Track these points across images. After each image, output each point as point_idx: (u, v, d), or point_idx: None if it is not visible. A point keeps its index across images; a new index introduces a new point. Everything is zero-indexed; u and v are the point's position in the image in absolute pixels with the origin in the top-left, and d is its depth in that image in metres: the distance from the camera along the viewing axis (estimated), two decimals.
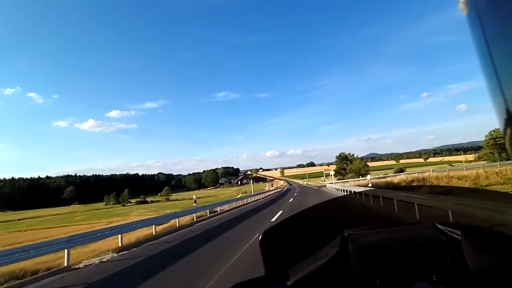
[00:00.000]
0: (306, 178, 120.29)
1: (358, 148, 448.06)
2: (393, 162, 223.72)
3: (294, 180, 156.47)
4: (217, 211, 21.68)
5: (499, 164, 42.76)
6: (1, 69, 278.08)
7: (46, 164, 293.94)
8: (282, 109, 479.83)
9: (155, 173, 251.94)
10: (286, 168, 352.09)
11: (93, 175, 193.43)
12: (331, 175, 56.52)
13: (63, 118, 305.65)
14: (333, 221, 1.43)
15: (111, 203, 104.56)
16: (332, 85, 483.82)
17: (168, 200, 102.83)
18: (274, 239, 1.22)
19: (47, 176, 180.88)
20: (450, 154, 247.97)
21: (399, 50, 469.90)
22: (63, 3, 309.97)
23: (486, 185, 22.14)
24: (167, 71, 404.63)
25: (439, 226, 1.07)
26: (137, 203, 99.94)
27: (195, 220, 16.73)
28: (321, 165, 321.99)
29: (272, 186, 79.83)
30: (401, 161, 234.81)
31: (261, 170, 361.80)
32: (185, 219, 16.67)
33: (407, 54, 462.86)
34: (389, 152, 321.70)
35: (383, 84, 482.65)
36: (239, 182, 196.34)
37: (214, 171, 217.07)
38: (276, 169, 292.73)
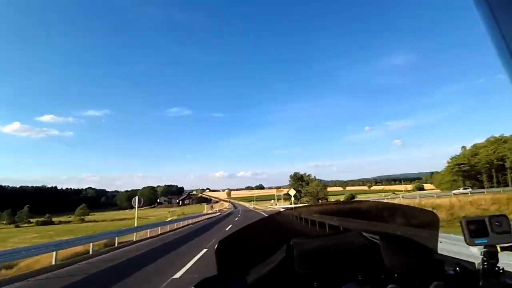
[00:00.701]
0: (253, 200, 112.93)
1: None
2: (340, 188, 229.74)
3: (240, 202, 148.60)
4: (115, 244, 14.39)
5: (453, 193, 41.21)
6: None
7: None
8: (235, 130, 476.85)
9: (84, 188, 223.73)
10: (235, 189, 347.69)
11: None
12: (291, 197, 46.98)
13: None
14: (280, 231, 1.65)
15: (4, 222, 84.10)
16: (287, 112, 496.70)
17: (82, 221, 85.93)
18: (228, 248, 1.34)
19: None
20: (389, 184, 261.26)
21: (349, 86, 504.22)
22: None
23: (464, 217, 17.79)
24: (116, 78, 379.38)
25: (364, 233, 1.33)
26: (38, 223, 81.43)
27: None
28: (270, 188, 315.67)
29: (212, 209, 70.46)
30: (347, 188, 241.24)
31: (208, 190, 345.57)
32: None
33: (355, 90, 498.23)
34: (334, 179, 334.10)
35: (333, 115, 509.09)
36: (180, 202, 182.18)
37: (152, 188, 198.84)
38: (224, 190, 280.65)
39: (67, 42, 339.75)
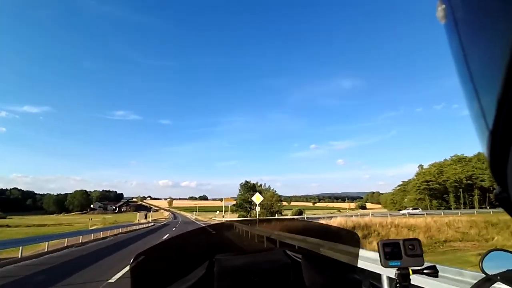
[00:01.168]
0: (196, 211, 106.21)
1: None
2: (285, 203, 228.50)
3: (182, 212, 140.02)
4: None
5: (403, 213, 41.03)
6: None
7: None
8: (182, 139, 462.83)
9: (7, 188, 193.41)
10: (178, 199, 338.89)
11: None
12: (256, 206, 43.36)
13: None
14: (205, 246, 1.59)
15: None
16: (234, 124, 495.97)
17: None
18: (145, 263, 1.21)
19: None
20: (332, 201, 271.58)
21: (296, 103, 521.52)
22: None
23: (445, 241, 16.10)
24: (58, 74, 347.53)
25: (287, 251, 1.34)
26: None
27: None
28: (214, 199, 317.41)
29: (146, 219, 60.77)
30: (292, 203, 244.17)
31: (149, 198, 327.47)
32: None
33: (302, 108, 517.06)
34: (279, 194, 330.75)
35: (280, 131, 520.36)
36: (117, 209, 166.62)
37: (85, 193, 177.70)
38: (166, 199, 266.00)
39: (5, 30, 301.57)
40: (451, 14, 0.32)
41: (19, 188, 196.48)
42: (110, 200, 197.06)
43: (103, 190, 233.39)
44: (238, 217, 47.49)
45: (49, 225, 71.09)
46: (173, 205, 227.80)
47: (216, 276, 1.14)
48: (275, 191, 52.95)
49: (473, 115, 0.29)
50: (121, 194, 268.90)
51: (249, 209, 50.57)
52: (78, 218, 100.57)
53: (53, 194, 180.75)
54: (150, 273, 1.19)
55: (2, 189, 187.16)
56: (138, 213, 52.69)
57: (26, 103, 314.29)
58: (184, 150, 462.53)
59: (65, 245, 15.50)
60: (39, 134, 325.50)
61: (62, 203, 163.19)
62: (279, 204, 51.03)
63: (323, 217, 36.27)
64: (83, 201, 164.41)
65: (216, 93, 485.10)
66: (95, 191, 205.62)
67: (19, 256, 11.41)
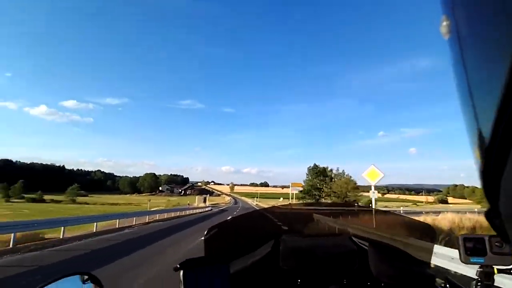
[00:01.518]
0: (257, 197, 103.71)
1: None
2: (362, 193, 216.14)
3: (243, 198, 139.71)
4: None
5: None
6: None
7: None
8: (244, 126, 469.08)
9: (93, 170, 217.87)
10: (239, 185, 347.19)
11: (2, 159, 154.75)
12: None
13: (13, 99, 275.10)
14: (270, 227, 1.71)
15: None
16: (296, 112, 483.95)
17: (73, 201, 78.75)
18: (217, 236, 1.38)
19: None
20: (403, 193, 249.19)
21: (360, 89, 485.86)
22: None
23: None
24: (135, 69, 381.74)
25: (353, 238, 1.32)
26: (28, 200, 75.09)
27: None
28: (275, 186, 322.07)
29: (204, 203, 57.46)
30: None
31: (212, 183, 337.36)
32: None
33: (367, 93, 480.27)
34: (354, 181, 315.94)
35: (344, 118, 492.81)
36: (182, 191, 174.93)
37: (154, 176, 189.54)
38: (228, 184, 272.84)
39: (95, 31, 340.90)
40: (455, 30, 0.32)
41: (102, 170, 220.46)
42: (177, 183, 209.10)
43: (171, 174, 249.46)
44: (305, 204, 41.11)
45: (120, 204, 75.20)
46: (235, 191, 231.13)
47: (281, 254, 1.17)
48: (351, 177, 42.60)
49: (470, 133, 0.29)
50: (187, 179, 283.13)
51: (318, 197, 43.59)
52: (146, 198, 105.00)
53: (127, 177, 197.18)
54: (221, 245, 1.31)
55: (88, 171, 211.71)
56: (197, 197, 50.44)
57: (109, 96, 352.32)
58: (246, 137, 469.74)
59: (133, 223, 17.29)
60: (119, 123, 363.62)
61: (134, 185, 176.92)
62: (355, 193, 41.24)
63: (424, 212, 29.65)
64: (152, 184, 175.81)
65: (277, 81, 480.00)
66: (164, 174, 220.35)
67: (94, 231, 13.46)
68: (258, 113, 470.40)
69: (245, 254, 1.22)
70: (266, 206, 55.86)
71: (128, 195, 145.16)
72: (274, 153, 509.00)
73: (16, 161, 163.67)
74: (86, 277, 0.95)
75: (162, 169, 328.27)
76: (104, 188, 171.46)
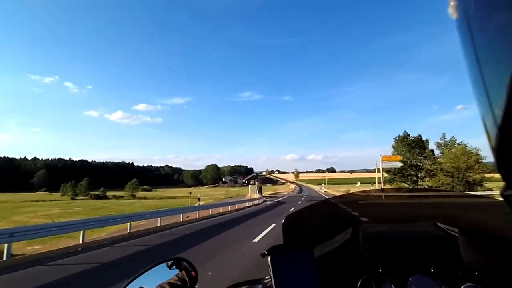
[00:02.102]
0: (325, 184, 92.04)
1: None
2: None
3: (309, 185, 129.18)
4: None
5: None
6: (42, 58, 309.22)
7: (76, 150, 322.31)
8: (304, 113, 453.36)
9: (161, 166, 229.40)
10: (304, 172, 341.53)
11: (79, 160, 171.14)
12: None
13: (95, 108, 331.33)
14: (346, 214, 1.62)
15: (69, 193, 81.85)
16: (358, 92, 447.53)
17: (133, 197, 78.25)
18: (295, 224, 1.37)
19: (25, 158, 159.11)
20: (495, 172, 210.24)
21: (432, 58, 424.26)
22: (100, 2, 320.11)
23: None
24: (196, 69, 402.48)
25: (439, 224, 1.22)
26: (91, 197, 76.88)
27: None
28: (342, 171, 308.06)
29: (260, 193, 45.00)
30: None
31: (277, 172, 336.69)
32: None
33: (441, 62, 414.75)
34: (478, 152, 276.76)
35: (413, 94, 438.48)
36: (246, 182, 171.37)
37: (216, 167, 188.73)
38: (293, 172, 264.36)
39: (161, 40, 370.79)
40: (462, 10, 0.31)
41: (170, 165, 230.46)
42: (241, 174, 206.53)
43: (235, 165, 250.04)
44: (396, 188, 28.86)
45: (178, 197, 72.11)
46: (300, 178, 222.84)
47: (361, 241, 1.14)
48: (467, 145, 26.46)
49: (482, 111, 0.29)
50: (251, 169, 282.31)
51: (415, 178, 29.88)
52: (208, 190, 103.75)
53: (190, 170, 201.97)
54: (299, 233, 1.30)
55: (157, 166, 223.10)
56: (250, 187, 41.68)
57: (175, 96, 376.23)
58: (308, 123, 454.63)
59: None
60: (185, 120, 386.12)
61: (198, 177, 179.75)
62: (481, 167, 25.15)
63: None
64: (214, 175, 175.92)
65: (337, 62, 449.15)
66: (227, 166, 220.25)
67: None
68: (319, 98, 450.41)
69: (324, 241, 1.20)
70: (336, 193, 45.69)
71: (192, 187, 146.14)
72: (338, 138, 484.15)
73: (92, 160, 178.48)
74: (182, 262, 0.99)
75: (227, 161, 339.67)
76: (170, 182, 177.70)
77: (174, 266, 0.98)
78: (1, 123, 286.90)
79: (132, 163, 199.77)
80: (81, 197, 77.99)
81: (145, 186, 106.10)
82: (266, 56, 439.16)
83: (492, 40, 0.27)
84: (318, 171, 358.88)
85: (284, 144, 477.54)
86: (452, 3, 0.33)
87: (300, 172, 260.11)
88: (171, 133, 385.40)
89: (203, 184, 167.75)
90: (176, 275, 0.96)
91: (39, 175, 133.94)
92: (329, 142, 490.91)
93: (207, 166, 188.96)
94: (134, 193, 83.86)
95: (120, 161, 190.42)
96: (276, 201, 32.46)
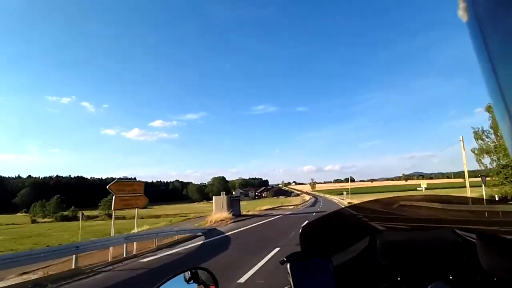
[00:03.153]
0: (347, 193, 75.11)
1: (400, 166, 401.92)
2: (448, 180, 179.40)
3: (327, 195, 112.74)
4: None
5: None
6: (60, 80, 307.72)
7: (95, 168, 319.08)
8: (320, 123, 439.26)
9: (171, 181, 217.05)
10: (322, 182, 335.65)
11: (76, 176, 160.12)
12: None
13: (112, 126, 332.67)
14: (363, 222, 1.63)
15: (39, 214, 69.16)
16: (373, 100, 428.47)
17: (109, 217, 63.90)
18: (312, 234, 1.38)
19: (18, 176, 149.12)
20: None
21: (447, 62, 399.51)
22: (113, 21, 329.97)
23: None
24: (208, 84, 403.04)
25: (457, 230, 1.21)
26: (57, 219, 62.75)
27: None
28: (361, 181, 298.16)
29: (227, 212, 24.59)
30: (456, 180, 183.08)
31: (293, 183, 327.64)
32: None
33: (456, 65, 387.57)
34: (436, 172, 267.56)
35: (428, 99, 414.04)
36: (259, 194, 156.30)
37: (222, 179, 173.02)
38: (309, 183, 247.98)
39: (167, 55, 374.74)
40: (472, 11, 0.31)
41: (179, 180, 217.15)
42: (254, 186, 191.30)
43: (249, 178, 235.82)
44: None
45: (168, 215, 58.45)
46: (317, 188, 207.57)
47: (379, 249, 1.13)
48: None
49: (498, 113, 0.29)
50: (266, 181, 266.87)
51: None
52: (203, 206, 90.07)
53: (195, 183, 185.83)
54: (316, 241, 1.30)
55: (166, 182, 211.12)
56: (214, 200, 25.82)
57: (189, 112, 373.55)
58: (324, 134, 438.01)
59: None
60: (201, 135, 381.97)
61: (203, 191, 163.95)
62: None
63: None
64: (221, 188, 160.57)
65: (351, 71, 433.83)
66: (239, 178, 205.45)
67: None
68: (332, 108, 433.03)
69: (341, 249, 1.20)
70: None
71: (196, 203, 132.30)
72: (355, 147, 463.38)
73: (91, 177, 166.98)
74: (203, 272, 1.01)
75: (245, 175, 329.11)
76: (178, 197, 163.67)
77: (193, 279, 0.98)
78: (21, 144, 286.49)
79: (135, 178, 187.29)
80: (44, 220, 64.36)
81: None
82: (279, 67, 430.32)
83: (504, 41, 0.26)
84: (337, 181, 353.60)
85: (301, 155, 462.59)
86: (461, 5, 0.33)
87: (318, 183, 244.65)
88: (187, 149, 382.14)
89: (209, 199, 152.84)
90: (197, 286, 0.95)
91: (22, 194, 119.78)
92: (347, 152, 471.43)
93: (213, 178, 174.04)
94: (110, 212, 69.05)
95: (122, 177, 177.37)
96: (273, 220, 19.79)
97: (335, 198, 74.65)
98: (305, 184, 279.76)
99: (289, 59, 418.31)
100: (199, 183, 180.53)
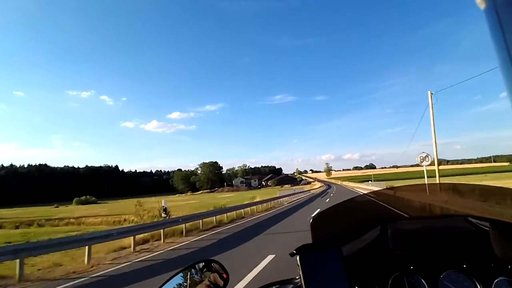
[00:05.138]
0: (370, 180, 52.54)
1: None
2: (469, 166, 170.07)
3: (344, 183, 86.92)
4: None
5: None
6: (79, 74, 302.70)
7: (115, 160, 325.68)
8: (339, 112, 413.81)
9: (169, 171, 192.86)
10: (341, 170, 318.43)
11: (65, 166, 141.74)
12: None
13: (130, 119, 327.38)
14: (374, 211, 1.62)
15: None
16: (394, 87, 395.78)
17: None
18: (323, 224, 1.36)
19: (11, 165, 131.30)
20: None
21: (472, 46, 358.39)
22: (130, 15, 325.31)
23: None
24: (228, 76, 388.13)
25: (469, 218, 1.19)
26: None
27: None
28: (383, 168, 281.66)
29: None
30: (480, 165, 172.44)
31: (310, 171, 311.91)
32: None
33: (481, 49, 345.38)
34: (458, 158, 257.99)
35: (452, 85, 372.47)
36: (263, 183, 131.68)
37: (213, 165, 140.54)
38: (325, 169, 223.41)
39: (184, 47, 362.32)
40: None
41: (176, 169, 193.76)
42: (262, 174, 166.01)
43: (261, 166, 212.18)
44: None
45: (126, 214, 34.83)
46: (335, 175, 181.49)
47: (390, 239, 1.13)
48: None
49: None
50: (280, 169, 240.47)
51: None
52: (182, 199, 66.66)
53: (182, 171, 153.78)
54: (326, 232, 1.27)
55: (168, 171, 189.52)
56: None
57: (208, 104, 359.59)
58: (342, 122, 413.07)
59: None
60: (219, 126, 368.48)
61: (189, 180, 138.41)
62: None
63: None
64: (212, 176, 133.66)
65: (370, 57, 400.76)
66: (243, 165, 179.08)
67: None
68: (352, 95, 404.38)
69: (353, 239, 1.18)
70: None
71: (184, 194, 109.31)
72: (375, 135, 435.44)
73: (76, 166, 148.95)
74: (212, 264, 1.00)
75: (263, 164, 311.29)
76: (169, 188, 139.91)
77: (205, 269, 0.98)
78: (45, 139, 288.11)
79: (123, 169, 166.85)
80: None
81: (88, 198, 69.55)
82: (296, 57, 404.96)
83: None
84: (356, 168, 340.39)
85: (319, 144, 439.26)
86: None
87: (336, 170, 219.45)
88: (205, 140, 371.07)
89: (195, 190, 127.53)
90: (208, 278, 0.96)
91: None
92: (366, 140, 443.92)
93: (202, 163, 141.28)
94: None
95: (109, 166, 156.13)
96: None
97: (361, 188, 48.75)
98: (321, 172, 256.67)
99: (305, 48, 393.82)
100: (187, 170, 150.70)
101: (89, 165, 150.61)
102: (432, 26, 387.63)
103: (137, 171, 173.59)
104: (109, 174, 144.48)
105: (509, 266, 0.99)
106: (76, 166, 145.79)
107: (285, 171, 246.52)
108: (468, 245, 1.08)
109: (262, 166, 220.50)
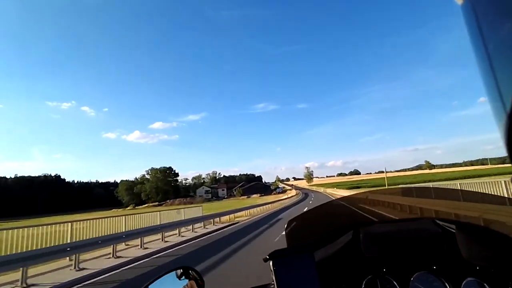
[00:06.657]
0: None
1: (403, 160, 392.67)
2: (450, 169, 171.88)
3: (328, 190, 67.75)
4: None
5: None
6: (59, 85, 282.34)
7: (99, 172, 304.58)
8: (320, 119, 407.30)
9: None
10: (325, 177, 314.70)
11: (15, 176, 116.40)
12: None
13: (112, 130, 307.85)
14: (347, 215, 1.66)
15: None
16: (373, 94, 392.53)
17: None
18: (297, 228, 1.38)
19: None
20: None
21: (449, 53, 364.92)
22: (112, 24, 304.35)
23: None
24: (208, 84, 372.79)
25: (437, 221, 1.22)
26: None
27: None
28: (368, 173, 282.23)
29: None
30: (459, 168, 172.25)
31: (292, 179, 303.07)
32: None
33: (459, 56, 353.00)
34: (440, 163, 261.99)
35: (430, 91, 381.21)
36: (234, 192, 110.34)
37: (166, 171, 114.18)
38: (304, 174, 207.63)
39: (166, 56, 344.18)
40: None
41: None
42: (236, 182, 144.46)
43: (239, 174, 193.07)
44: None
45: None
46: (318, 182, 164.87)
47: (362, 242, 1.15)
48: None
49: (490, 96, 0.28)
50: (259, 177, 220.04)
51: None
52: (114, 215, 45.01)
53: (128, 181, 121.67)
54: (301, 237, 1.31)
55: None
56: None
57: (190, 114, 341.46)
58: (325, 130, 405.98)
59: None
60: (201, 136, 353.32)
61: (133, 191, 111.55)
62: None
63: None
64: (163, 186, 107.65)
65: (349, 65, 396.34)
66: (212, 172, 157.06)
67: None
68: (331, 103, 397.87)
69: (326, 244, 1.21)
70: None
71: (127, 207, 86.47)
72: (356, 142, 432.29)
73: (14, 176, 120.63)
74: (190, 271, 1.01)
75: (248, 173, 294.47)
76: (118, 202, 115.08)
77: (183, 276, 0.98)
78: (25, 151, 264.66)
79: (69, 181, 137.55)
80: None
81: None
82: (277, 65, 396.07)
83: (499, 24, 0.25)
84: (340, 175, 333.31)
85: (303, 152, 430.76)
86: None
87: (317, 177, 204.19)
88: (188, 150, 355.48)
89: (141, 203, 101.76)
90: (185, 285, 0.96)
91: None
92: (348, 147, 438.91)
93: (151, 169, 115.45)
94: None
95: (46, 175, 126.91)
96: None
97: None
98: (303, 179, 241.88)
99: (287, 57, 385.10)
100: (133, 179, 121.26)
101: (46, 174, 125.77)
102: (409, 34, 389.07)
103: (99, 182, 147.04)
104: (46, 187, 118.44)
105: (477, 267, 1.00)
106: (8, 177, 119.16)
107: (267, 180, 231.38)
108: (437, 247, 1.10)
109: (240, 174, 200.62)
